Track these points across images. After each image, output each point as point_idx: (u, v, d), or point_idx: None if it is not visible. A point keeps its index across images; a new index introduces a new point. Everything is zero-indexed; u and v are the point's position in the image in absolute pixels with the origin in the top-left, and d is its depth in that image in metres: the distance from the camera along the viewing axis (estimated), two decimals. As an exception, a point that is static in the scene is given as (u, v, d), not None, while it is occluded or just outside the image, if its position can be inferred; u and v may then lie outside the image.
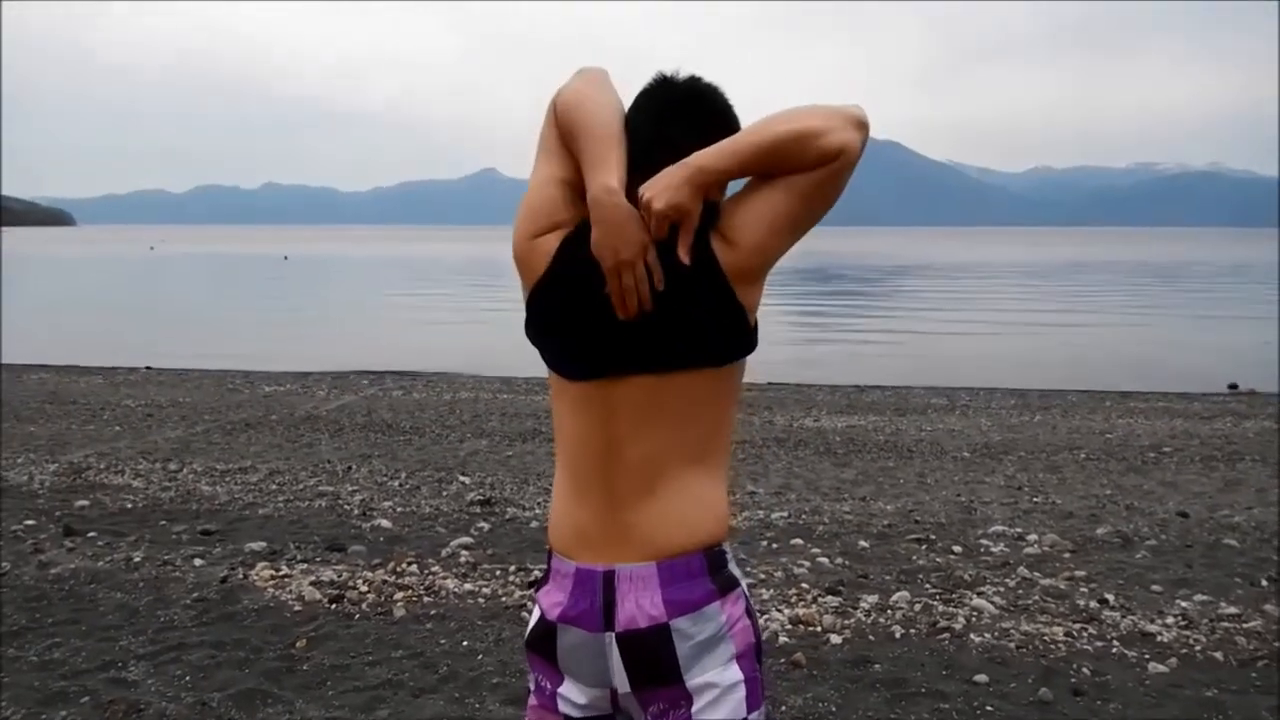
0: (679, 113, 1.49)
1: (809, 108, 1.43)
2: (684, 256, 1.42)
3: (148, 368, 14.41)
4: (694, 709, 1.49)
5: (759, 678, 1.55)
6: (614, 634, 1.49)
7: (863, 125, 1.40)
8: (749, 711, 1.52)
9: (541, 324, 1.55)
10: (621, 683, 1.51)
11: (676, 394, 1.49)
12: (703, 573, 1.50)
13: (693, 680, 1.48)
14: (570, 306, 1.51)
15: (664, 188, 1.40)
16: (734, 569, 1.55)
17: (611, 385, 1.50)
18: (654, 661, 1.48)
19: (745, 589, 1.56)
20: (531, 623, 1.59)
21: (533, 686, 1.63)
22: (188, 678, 3.69)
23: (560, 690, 1.56)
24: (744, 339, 1.49)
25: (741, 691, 1.51)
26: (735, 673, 1.51)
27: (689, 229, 1.42)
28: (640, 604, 1.48)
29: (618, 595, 1.49)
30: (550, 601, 1.55)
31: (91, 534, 5.57)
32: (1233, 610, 4.42)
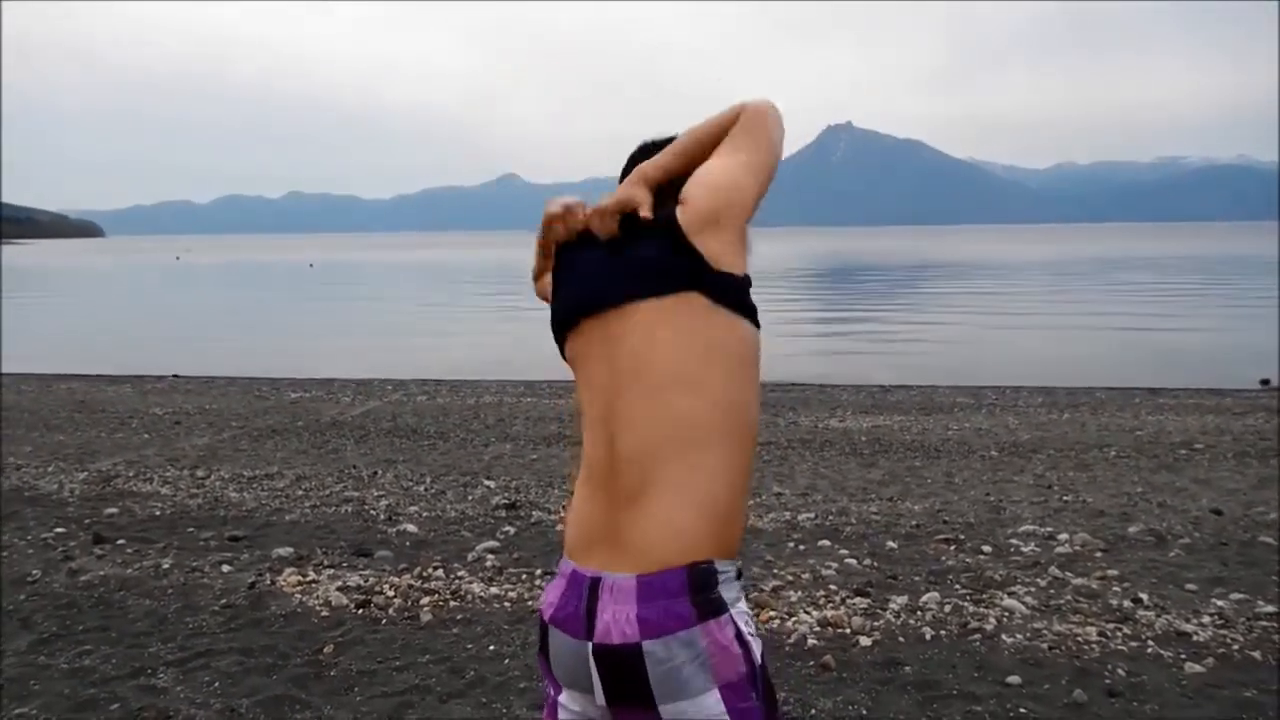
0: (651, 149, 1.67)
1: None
2: (645, 213, 1.53)
3: (175, 376, 14.55)
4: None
5: (755, 707, 1.42)
6: (591, 644, 1.43)
7: (763, 102, 1.59)
8: None
9: (553, 304, 1.66)
10: (599, 694, 1.43)
11: (667, 363, 1.45)
12: (682, 592, 1.39)
13: (665, 708, 1.39)
14: (560, 279, 1.64)
15: (618, 189, 1.59)
16: (725, 591, 1.43)
17: (606, 355, 1.51)
18: (627, 681, 1.41)
19: (741, 611, 1.44)
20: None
21: (544, 691, 1.61)
22: (216, 684, 3.71)
23: (560, 698, 1.52)
24: (697, 274, 1.48)
25: None
26: (714, 705, 1.39)
27: (644, 203, 1.55)
28: (616, 618, 1.41)
29: (598, 605, 1.43)
30: (546, 600, 1.54)
31: (120, 541, 5.62)
32: (1270, 609, 4.34)
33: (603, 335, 1.52)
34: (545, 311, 1.67)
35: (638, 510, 1.44)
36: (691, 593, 1.39)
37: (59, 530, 5.85)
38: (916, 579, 4.87)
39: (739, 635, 1.42)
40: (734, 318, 1.48)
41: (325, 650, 4.02)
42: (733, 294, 1.48)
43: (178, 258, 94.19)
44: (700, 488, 1.43)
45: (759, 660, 1.45)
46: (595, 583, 1.44)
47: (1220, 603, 4.45)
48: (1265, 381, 12.86)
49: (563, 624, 1.47)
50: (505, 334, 20.08)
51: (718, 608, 1.41)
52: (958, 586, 4.75)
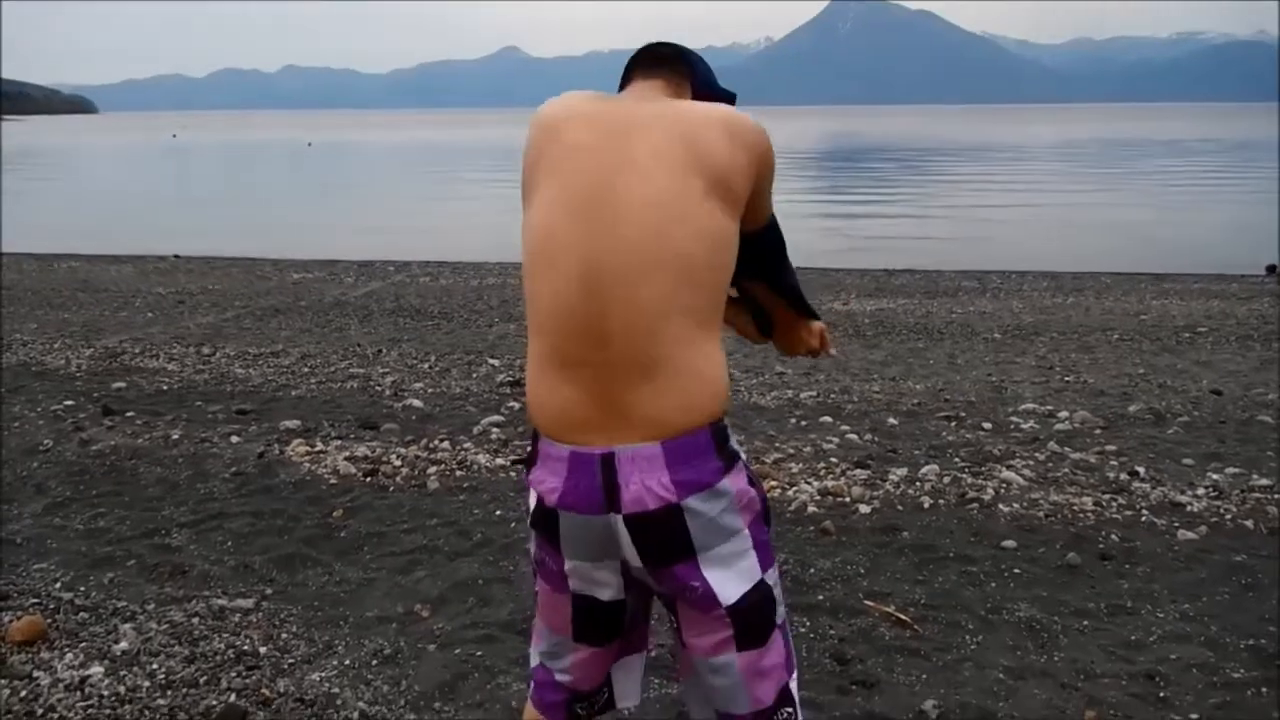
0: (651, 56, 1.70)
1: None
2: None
3: (176, 256, 14.47)
4: (709, 578, 1.49)
5: (768, 540, 1.58)
6: (619, 515, 1.46)
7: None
8: (764, 571, 1.55)
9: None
10: (633, 558, 1.49)
11: (670, 228, 1.43)
12: (710, 449, 1.47)
13: (706, 555, 1.48)
14: None
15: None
16: (733, 442, 1.54)
17: (600, 226, 1.45)
18: (666, 541, 1.47)
19: (744, 458, 1.56)
20: (531, 504, 1.57)
21: (537, 565, 1.61)
22: (229, 543, 3.80)
23: (567, 569, 1.54)
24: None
25: (754, 556, 1.54)
26: (746, 539, 1.52)
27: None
28: (648, 485, 1.44)
29: (620, 478, 1.44)
30: (546, 487, 1.52)
31: (129, 414, 5.68)
32: (1264, 481, 4.41)
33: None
34: None
35: (645, 387, 1.44)
36: (716, 450, 1.48)
37: (68, 403, 5.91)
38: (916, 453, 4.94)
39: (750, 478, 1.55)
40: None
41: (335, 514, 4.11)
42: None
43: (174, 135, 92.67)
44: (706, 357, 1.48)
45: (764, 496, 1.59)
46: (608, 458, 1.45)
47: (1215, 476, 4.52)
48: (1271, 268, 12.77)
49: (575, 505, 1.48)
50: (508, 215, 19.78)
51: (734, 457, 1.52)
52: (957, 460, 4.82)
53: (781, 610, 1.60)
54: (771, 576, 1.56)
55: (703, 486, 1.46)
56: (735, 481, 1.50)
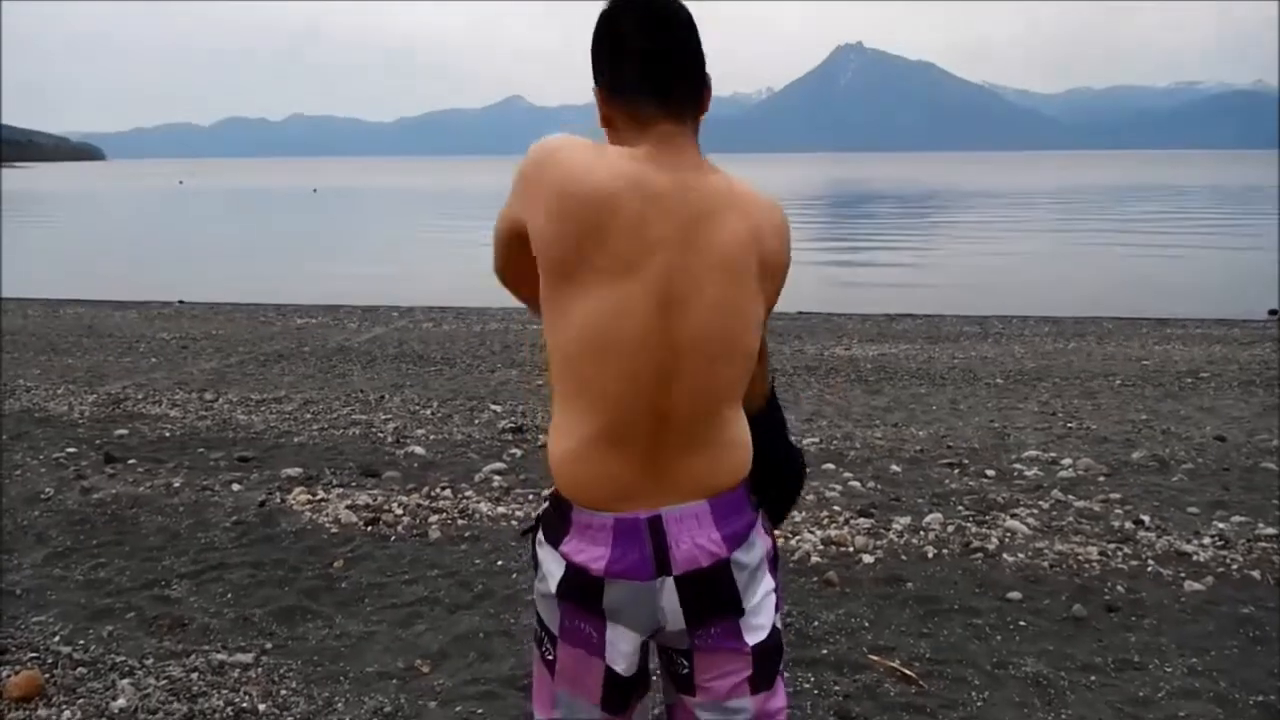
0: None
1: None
2: None
3: (181, 301, 14.54)
4: (743, 626, 1.53)
5: (779, 585, 1.62)
6: (671, 578, 1.47)
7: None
8: (775, 614, 1.60)
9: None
10: (675, 621, 1.50)
11: (735, 323, 1.48)
12: (745, 502, 1.54)
13: (747, 604, 1.53)
14: None
15: None
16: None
17: (679, 323, 1.44)
18: (715, 596, 1.50)
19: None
20: (557, 574, 1.51)
21: (560, 633, 1.54)
22: (229, 595, 3.78)
23: (609, 636, 1.51)
24: None
25: (774, 598, 1.58)
26: (770, 584, 1.57)
27: None
28: (698, 543, 1.47)
29: (669, 539, 1.47)
30: (587, 557, 1.48)
31: (131, 461, 5.67)
32: (1270, 531, 4.38)
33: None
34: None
35: (697, 457, 1.49)
36: (749, 501, 1.56)
37: (70, 450, 5.90)
38: (920, 501, 4.92)
39: (764, 525, 1.60)
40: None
41: (335, 564, 4.09)
42: None
43: (180, 182, 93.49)
44: (739, 421, 1.55)
45: (776, 541, 1.65)
46: (655, 521, 1.47)
47: (1221, 525, 4.49)
48: (1274, 312, 12.80)
49: (625, 573, 1.47)
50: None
51: (758, 505, 1.59)
52: (960, 508, 4.80)
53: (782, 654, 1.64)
54: (778, 620, 1.60)
55: (742, 538, 1.51)
56: (761, 529, 1.57)
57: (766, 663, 1.56)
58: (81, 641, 3.38)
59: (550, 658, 1.58)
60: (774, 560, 1.60)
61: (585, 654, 1.53)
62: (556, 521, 1.53)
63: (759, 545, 1.54)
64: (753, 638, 1.54)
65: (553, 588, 1.52)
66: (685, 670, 1.55)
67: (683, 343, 1.44)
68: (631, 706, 1.61)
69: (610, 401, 1.45)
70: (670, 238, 1.43)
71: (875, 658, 3.25)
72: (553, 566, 1.52)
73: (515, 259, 1.57)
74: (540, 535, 1.57)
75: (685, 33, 1.51)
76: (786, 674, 1.68)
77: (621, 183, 1.41)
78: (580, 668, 1.54)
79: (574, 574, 1.49)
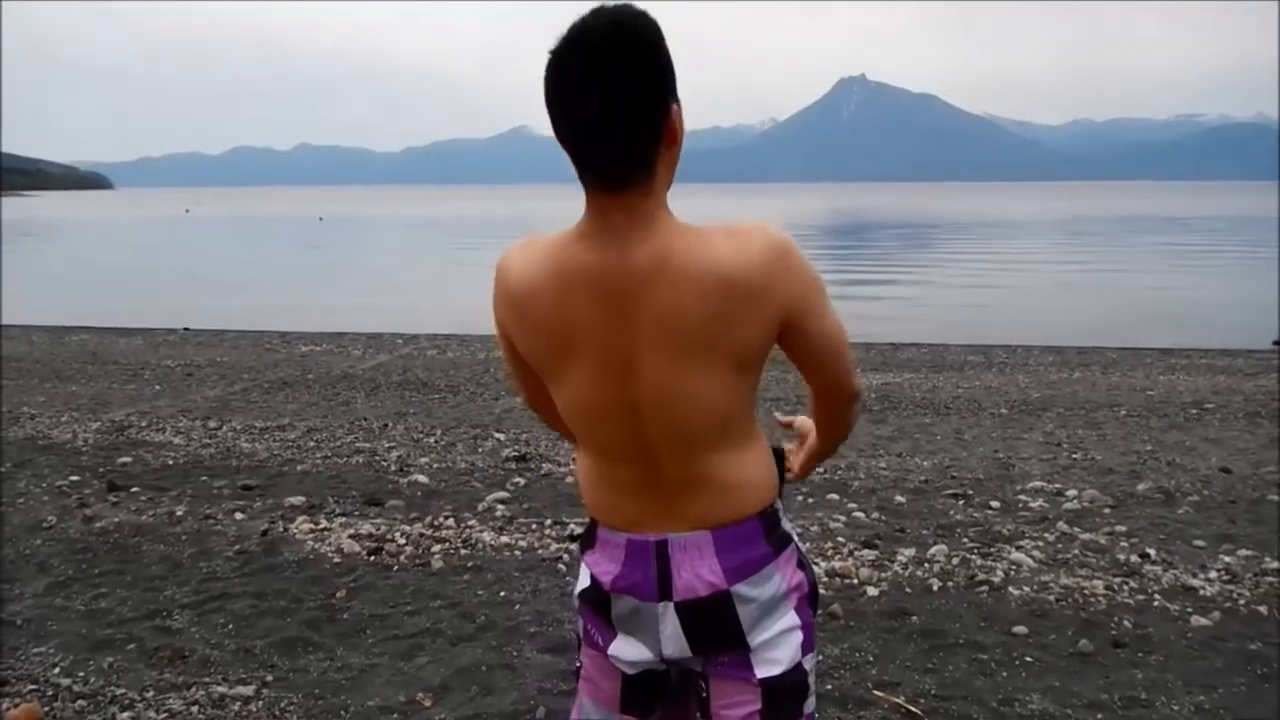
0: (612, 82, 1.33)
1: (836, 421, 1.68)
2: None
3: (186, 329, 14.59)
4: (753, 660, 1.52)
5: (812, 623, 1.58)
6: (671, 603, 1.50)
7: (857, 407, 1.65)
8: (803, 655, 1.55)
9: None
10: (679, 649, 1.52)
11: (688, 385, 1.44)
12: (759, 537, 1.52)
13: (755, 639, 1.51)
14: None
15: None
16: (786, 525, 1.57)
17: (634, 389, 1.46)
18: (715, 628, 1.50)
19: (796, 541, 1.58)
20: (584, 581, 1.61)
21: (582, 635, 1.65)
22: (231, 626, 3.76)
23: (613, 648, 1.57)
24: None
25: (798, 637, 1.54)
26: (792, 620, 1.54)
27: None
28: (698, 572, 1.49)
29: (672, 565, 1.49)
30: (601, 570, 1.56)
31: (134, 489, 5.67)
32: (1277, 565, 4.35)
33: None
34: None
35: (693, 498, 1.50)
36: (765, 536, 1.52)
37: (73, 478, 5.90)
38: (924, 532, 4.90)
39: (800, 561, 1.58)
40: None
41: (338, 595, 4.08)
42: None
43: (187, 210, 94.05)
44: (744, 461, 1.52)
45: (813, 579, 1.61)
46: (662, 545, 1.50)
47: (1228, 559, 4.46)
48: (1278, 343, 12.79)
49: (630, 590, 1.52)
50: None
51: (785, 541, 1.56)
52: (965, 540, 4.77)
53: (811, 702, 1.58)
54: (809, 662, 1.56)
55: (751, 572, 1.50)
56: (784, 565, 1.53)
57: (781, 700, 1.53)
58: (82, 673, 3.36)
59: (578, 664, 1.67)
60: (806, 596, 1.57)
61: (601, 656, 1.60)
62: (588, 533, 1.62)
63: (776, 580, 1.52)
64: (763, 671, 1.52)
65: (578, 592, 1.63)
66: (704, 694, 1.58)
67: (645, 409, 1.46)
68: (657, 708, 1.62)
69: (606, 451, 1.54)
70: (597, 317, 1.42)
71: (880, 693, 3.22)
72: (582, 573, 1.62)
73: (520, 372, 1.64)
74: (582, 545, 1.65)
75: (617, 91, 1.32)
76: None
77: (539, 275, 1.44)
78: (597, 671, 1.62)
79: (592, 584, 1.58)
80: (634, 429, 1.48)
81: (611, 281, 1.40)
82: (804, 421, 1.77)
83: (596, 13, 1.34)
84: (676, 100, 1.39)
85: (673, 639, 1.52)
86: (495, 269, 1.51)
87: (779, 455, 1.70)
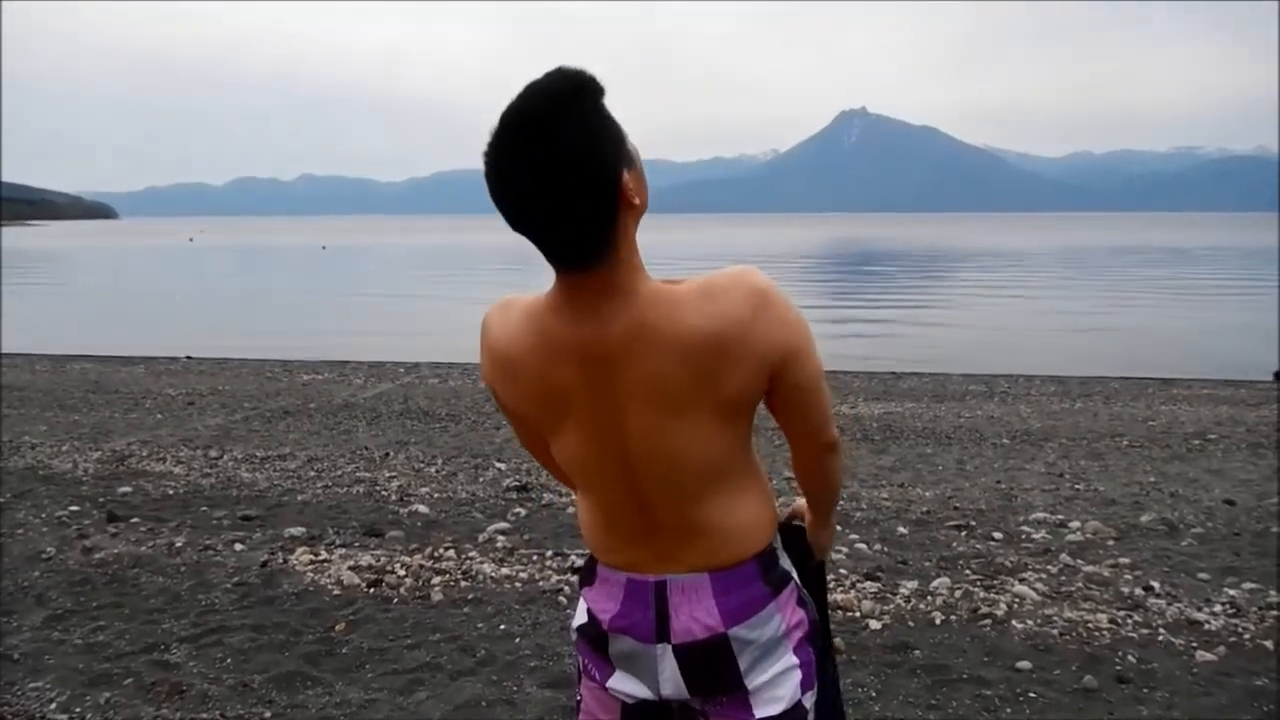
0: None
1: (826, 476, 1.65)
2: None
3: (188, 357, 14.62)
4: (752, 700, 1.51)
5: (813, 661, 1.57)
6: (670, 645, 1.50)
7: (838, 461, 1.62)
8: (803, 693, 1.54)
9: None
10: (676, 690, 1.51)
11: (672, 442, 1.45)
12: (756, 578, 1.51)
13: (753, 682, 1.51)
14: None
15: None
16: (784, 563, 1.57)
17: (620, 446, 1.47)
18: (713, 670, 1.50)
19: (796, 579, 1.58)
20: (581, 617, 1.60)
21: (581, 669, 1.64)
22: (229, 660, 3.73)
23: (612, 681, 1.57)
24: None
25: (797, 676, 1.54)
26: (790, 660, 1.53)
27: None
28: (695, 615, 1.49)
29: (670, 607, 1.50)
30: (600, 607, 1.56)
31: (134, 520, 5.65)
32: (1283, 598, 4.32)
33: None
34: None
35: (690, 543, 1.50)
36: (763, 577, 1.52)
37: (73, 508, 5.89)
38: (927, 564, 4.87)
39: (800, 599, 1.58)
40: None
41: (337, 628, 4.05)
42: None
43: (191, 239, 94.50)
44: (740, 504, 1.51)
45: (815, 615, 1.61)
46: (661, 586, 1.50)
47: (1232, 592, 4.43)
48: (1279, 374, 12.78)
49: (628, 630, 1.52)
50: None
51: (784, 580, 1.55)
52: (968, 572, 4.75)
53: None
54: (809, 700, 1.55)
55: (750, 613, 1.49)
56: (784, 604, 1.53)
57: None
58: (78, 709, 3.33)
59: (578, 699, 1.65)
60: (807, 635, 1.56)
61: (599, 689, 1.60)
62: (588, 568, 1.61)
63: (776, 620, 1.51)
64: (763, 710, 1.51)
65: (576, 626, 1.62)
66: None
67: (636, 465, 1.48)
68: None
69: (603, 501, 1.55)
70: (581, 382, 1.44)
71: (883, 729, 3.19)
72: (580, 607, 1.62)
73: (512, 421, 1.65)
74: (581, 578, 1.65)
75: (560, 194, 1.30)
76: None
77: (523, 342, 1.46)
78: (596, 704, 1.61)
79: (590, 620, 1.58)
80: (628, 483, 1.49)
81: (592, 350, 1.42)
82: (799, 504, 1.77)
83: (524, 100, 1.30)
84: (629, 165, 1.35)
85: (671, 680, 1.52)
86: (480, 328, 1.53)
87: (800, 533, 1.72)
